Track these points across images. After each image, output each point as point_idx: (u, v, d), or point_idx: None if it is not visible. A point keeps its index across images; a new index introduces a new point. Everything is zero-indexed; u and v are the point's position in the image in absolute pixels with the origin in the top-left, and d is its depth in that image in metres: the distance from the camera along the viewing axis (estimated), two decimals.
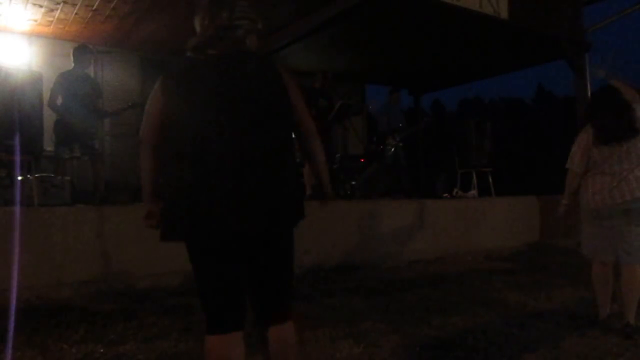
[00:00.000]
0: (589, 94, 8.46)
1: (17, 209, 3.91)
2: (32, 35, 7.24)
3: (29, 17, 6.72)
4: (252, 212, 1.66)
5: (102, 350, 2.84)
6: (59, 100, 5.49)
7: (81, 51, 5.70)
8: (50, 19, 6.80)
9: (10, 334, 2.86)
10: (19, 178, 4.53)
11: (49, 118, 5.32)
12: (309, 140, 1.92)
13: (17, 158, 4.38)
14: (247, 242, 1.70)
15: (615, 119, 3.17)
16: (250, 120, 1.71)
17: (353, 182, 7.34)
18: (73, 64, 5.67)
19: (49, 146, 5.65)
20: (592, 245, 3.39)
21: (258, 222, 1.67)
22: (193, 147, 1.69)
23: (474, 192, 8.11)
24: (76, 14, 6.67)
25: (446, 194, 8.42)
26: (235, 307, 1.71)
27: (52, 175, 5.25)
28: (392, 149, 7.64)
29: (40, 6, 6.41)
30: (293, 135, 1.89)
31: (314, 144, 1.93)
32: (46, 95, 5.25)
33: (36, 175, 4.80)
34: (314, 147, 1.93)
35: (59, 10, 6.56)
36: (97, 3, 6.39)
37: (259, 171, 1.68)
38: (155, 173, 1.87)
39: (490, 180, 8.16)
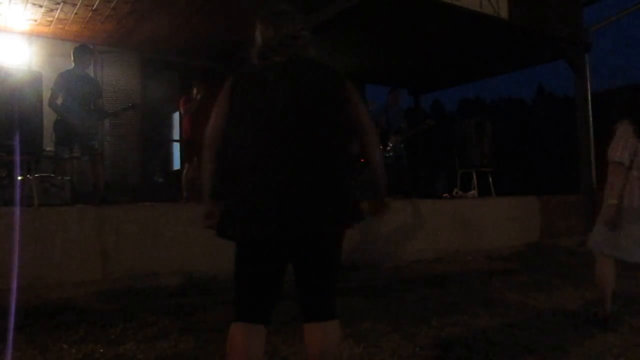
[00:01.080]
0: (589, 94, 8.47)
1: (17, 208, 3.91)
2: (32, 35, 7.24)
3: (28, 17, 6.72)
4: (296, 217, 1.74)
5: (102, 350, 2.84)
6: (59, 100, 5.48)
7: (81, 51, 5.69)
8: (50, 18, 6.79)
9: (10, 334, 2.86)
10: (19, 178, 4.53)
11: (48, 118, 5.32)
12: (368, 148, 1.97)
13: (17, 158, 4.38)
14: (289, 245, 1.80)
15: None
16: (307, 126, 1.81)
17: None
18: (73, 64, 5.66)
19: (48, 146, 5.65)
20: (611, 243, 3.27)
21: (302, 226, 1.75)
22: (250, 151, 1.80)
23: (474, 192, 8.11)
24: (76, 13, 6.67)
25: (446, 194, 8.43)
26: (263, 301, 1.82)
27: (52, 175, 5.25)
28: (394, 149, 7.64)
29: (40, 6, 6.41)
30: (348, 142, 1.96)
31: (373, 153, 1.98)
32: (46, 95, 5.24)
33: (36, 175, 4.80)
34: (372, 156, 1.98)
35: (58, 10, 6.56)
36: (97, 3, 6.39)
37: (308, 177, 1.77)
38: (216, 175, 1.93)
39: (491, 180, 8.16)
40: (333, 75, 1.92)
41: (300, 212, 1.74)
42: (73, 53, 5.69)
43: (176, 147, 9.76)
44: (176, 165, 9.63)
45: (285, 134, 1.79)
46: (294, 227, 1.74)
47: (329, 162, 1.83)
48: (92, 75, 6.59)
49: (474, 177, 8.16)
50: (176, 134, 9.69)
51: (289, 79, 1.85)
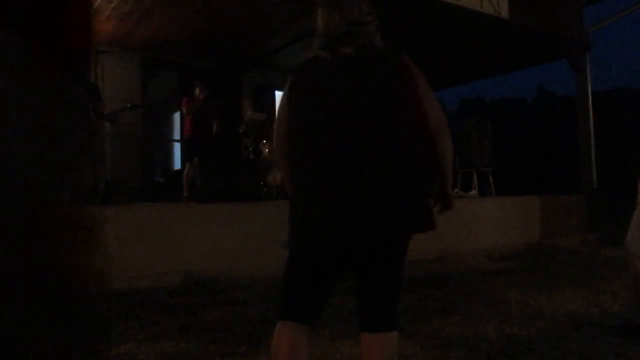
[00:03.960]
0: (590, 93, 8.47)
1: None
2: None
3: None
4: (366, 224, 1.62)
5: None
6: None
7: None
8: None
9: None
10: None
11: None
12: (437, 136, 1.78)
13: None
14: (355, 253, 1.70)
15: None
16: (379, 128, 1.66)
17: None
18: None
19: None
20: None
21: (370, 234, 1.63)
22: (309, 155, 1.70)
23: (474, 191, 8.11)
24: None
25: None
26: (316, 301, 1.76)
27: None
28: None
29: None
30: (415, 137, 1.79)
31: (441, 142, 1.79)
32: None
33: None
34: (440, 145, 1.79)
35: None
36: (97, 3, 6.39)
37: (370, 184, 1.62)
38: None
39: (491, 180, 8.16)
40: (398, 62, 1.75)
41: (371, 219, 1.61)
42: None
43: (177, 147, 9.77)
44: (177, 165, 9.63)
45: (356, 138, 1.64)
46: (362, 235, 1.62)
47: (404, 167, 1.67)
48: (92, 75, 6.60)
49: (475, 176, 8.16)
50: (177, 134, 9.70)
51: (360, 75, 1.69)
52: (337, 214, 1.62)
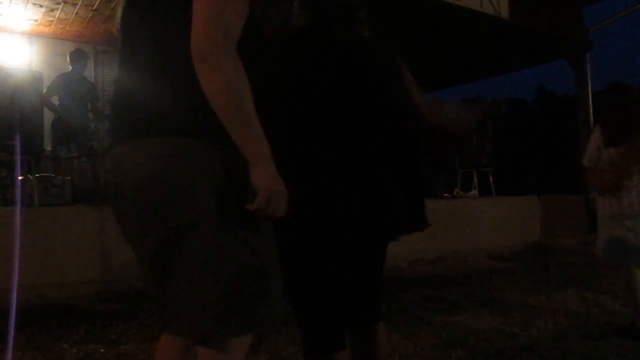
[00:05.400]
0: (590, 93, 8.47)
1: (18, 208, 3.91)
2: (33, 35, 7.24)
3: (29, 17, 6.72)
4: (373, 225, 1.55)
5: (102, 350, 2.84)
6: (55, 100, 5.56)
7: (77, 55, 5.85)
8: (51, 18, 6.79)
9: (11, 333, 2.86)
10: (20, 178, 4.53)
11: (48, 117, 5.33)
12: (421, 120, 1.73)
13: (18, 158, 4.38)
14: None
15: None
16: (381, 121, 1.57)
17: None
18: (70, 67, 5.79)
19: (48, 146, 5.67)
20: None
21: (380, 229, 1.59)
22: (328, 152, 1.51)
23: (474, 192, 8.10)
24: (76, 13, 6.68)
25: (447, 194, 8.42)
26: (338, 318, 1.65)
27: (53, 175, 5.25)
28: None
29: (41, 6, 6.41)
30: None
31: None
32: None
33: (37, 175, 4.79)
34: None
35: (59, 10, 6.56)
36: (97, 3, 6.39)
37: (389, 176, 1.56)
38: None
39: (491, 180, 8.16)
40: (393, 59, 1.69)
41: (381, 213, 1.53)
42: (70, 57, 5.82)
43: None
44: None
45: (383, 124, 1.55)
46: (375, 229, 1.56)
47: (405, 158, 1.61)
48: (92, 74, 6.64)
49: (475, 176, 8.16)
50: None
51: (380, 57, 1.61)
52: (380, 204, 1.51)
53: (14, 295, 3.40)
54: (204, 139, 1.16)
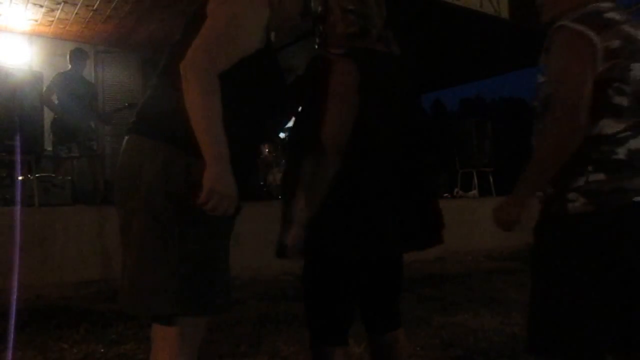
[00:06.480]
0: None
1: (18, 208, 3.91)
2: (33, 35, 7.25)
3: (29, 17, 6.72)
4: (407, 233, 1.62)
5: (102, 350, 2.84)
6: (54, 99, 5.57)
7: (77, 54, 5.84)
8: (51, 19, 6.80)
9: (11, 334, 2.86)
10: (20, 178, 4.53)
11: (48, 117, 5.33)
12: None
13: (18, 158, 4.38)
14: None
15: None
16: (406, 134, 1.63)
17: None
18: (70, 66, 5.78)
19: (49, 146, 5.67)
20: None
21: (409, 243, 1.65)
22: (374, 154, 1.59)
23: (474, 192, 8.11)
24: (76, 14, 6.68)
25: (447, 194, 8.42)
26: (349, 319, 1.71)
27: (53, 175, 5.26)
28: None
29: (41, 6, 6.42)
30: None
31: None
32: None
33: (37, 175, 4.80)
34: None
35: (59, 10, 6.56)
36: (97, 3, 6.39)
37: (415, 192, 1.64)
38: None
39: (491, 180, 8.16)
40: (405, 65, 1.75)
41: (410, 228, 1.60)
42: (69, 56, 5.82)
43: None
44: None
45: (411, 140, 1.63)
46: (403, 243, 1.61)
47: (425, 175, 1.70)
48: (92, 74, 6.64)
49: (475, 176, 8.16)
50: None
51: (396, 76, 1.66)
52: (403, 217, 1.58)
53: (14, 295, 3.40)
54: (169, 141, 1.34)
